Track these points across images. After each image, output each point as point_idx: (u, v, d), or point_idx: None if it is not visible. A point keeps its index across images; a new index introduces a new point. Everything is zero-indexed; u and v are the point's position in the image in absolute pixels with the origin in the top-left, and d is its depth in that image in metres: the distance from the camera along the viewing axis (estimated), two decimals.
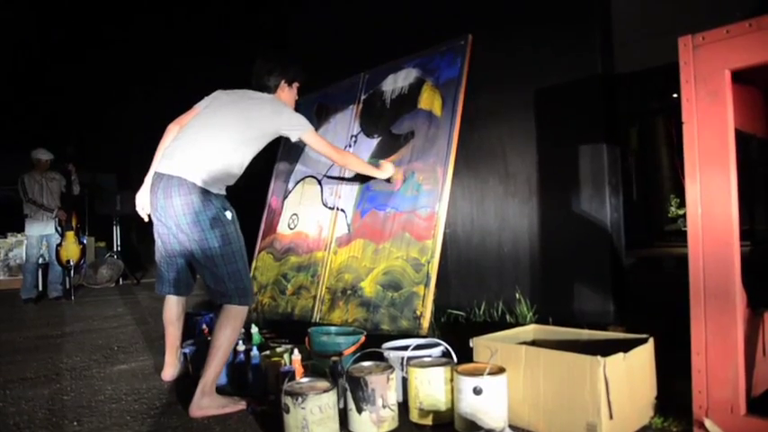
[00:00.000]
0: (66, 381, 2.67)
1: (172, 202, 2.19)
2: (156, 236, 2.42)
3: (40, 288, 6.23)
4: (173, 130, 2.45)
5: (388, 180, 3.03)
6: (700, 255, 1.63)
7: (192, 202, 2.18)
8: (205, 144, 2.27)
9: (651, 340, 1.90)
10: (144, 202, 2.45)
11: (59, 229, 5.91)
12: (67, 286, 6.02)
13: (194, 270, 2.48)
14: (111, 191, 8.45)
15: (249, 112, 2.36)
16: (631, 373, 1.75)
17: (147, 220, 2.48)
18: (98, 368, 2.90)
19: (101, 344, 3.55)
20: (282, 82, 2.57)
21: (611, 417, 1.63)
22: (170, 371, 2.59)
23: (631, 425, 1.75)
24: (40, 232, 5.86)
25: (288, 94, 2.61)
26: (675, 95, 1.71)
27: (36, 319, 4.77)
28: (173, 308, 2.56)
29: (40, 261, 6.06)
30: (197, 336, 2.91)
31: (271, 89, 2.54)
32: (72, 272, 6.04)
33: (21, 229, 6.22)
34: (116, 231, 7.79)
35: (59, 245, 5.89)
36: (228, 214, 2.25)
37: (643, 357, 1.85)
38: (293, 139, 2.50)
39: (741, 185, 1.63)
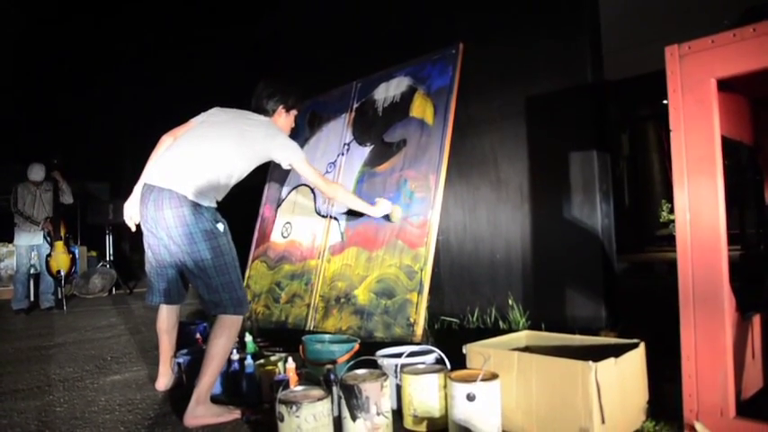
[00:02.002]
0: (59, 392, 2.66)
1: (163, 214, 2.19)
2: (146, 246, 2.41)
3: (32, 298, 6.19)
4: (165, 142, 2.45)
5: (387, 218, 2.98)
6: (688, 260, 1.65)
7: (183, 214, 2.18)
8: (198, 156, 2.27)
9: (642, 345, 1.92)
10: (133, 212, 2.45)
11: (48, 238, 5.88)
12: (59, 296, 5.98)
13: (185, 279, 2.48)
14: (104, 200, 8.42)
15: (245, 132, 2.38)
16: (623, 378, 1.77)
17: (134, 229, 2.47)
18: (91, 379, 2.88)
19: (93, 354, 3.53)
20: (281, 107, 2.59)
21: (602, 421, 1.65)
22: (164, 380, 2.59)
23: (623, 429, 1.77)
24: (29, 242, 5.83)
25: (285, 120, 2.63)
26: (666, 101, 1.74)
27: (27, 330, 4.73)
28: (166, 317, 2.55)
29: (32, 271, 6.02)
30: (191, 345, 2.90)
31: (268, 113, 2.56)
32: (63, 282, 6.00)
33: (11, 239, 6.19)
34: (108, 241, 7.75)
35: (49, 255, 5.86)
36: (220, 226, 2.25)
37: (634, 362, 1.87)
38: (284, 165, 2.51)
39: (731, 191, 1.65)
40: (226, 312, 2.22)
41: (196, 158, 2.27)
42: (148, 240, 2.37)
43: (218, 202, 2.34)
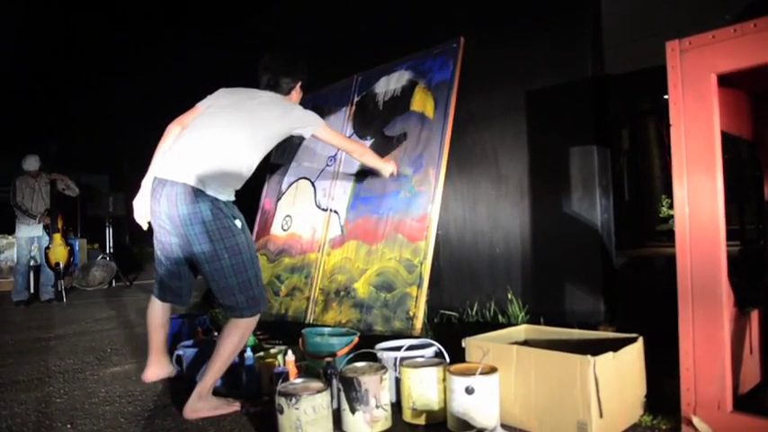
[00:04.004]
0: (59, 383, 2.66)
1: (178, 211, 2.08)
2: (156, 243, 2.31)
3: (32, 290, 6.20)
4: (173, 131, 2.33)
5: (391, 174, 2.99)
6: (687, 255, 1.65)
7: (199, 211, 2.07)
8: (211, 147, 2.15)
9: (641, 339, 1.93)
10: (143, 210, 2.33)
11: (48, 231, 5.90)
12: (59, 288, 6.00)
13: (195, 275, 2.39)
14: (104, 192, 8.42)
15: (258, 113, 2.26)
16: (621, 372, 1.78)
17: (146, 227, 2.37)
18: (91, 370, 2.89)
19: (93, 346, 3.54)
20: (299, 85, 2.52)
21: (601, 415, 1.65)
22: (154, 371, 2.49)
23: (621, 423, 1.78)
24: (29, 234, 5.86)
25: (297, 95, 2.56)
26: (666, 97, 1.74)
27: (27, 322, 4.75)
28: (160, 313, 2.45)
29: (32, 263, 6.04)
30: (192, 338, 2.91)
31: (283, 90, 2.46)
32: (62, 274, 6.01)
33: (11, 231, 6.21)
34: (108, 233, 7.75)
35: (47, 247, 5.88)
36: (238, 223, 2.15)
37: (632, 356, 1.87)
38: (306, 137, 2.43)
39: (730, 186, 1.66)
40: (242, 316, 2.14)
41: (210, 149, 2.15)
42: (160, 238, 2.26)
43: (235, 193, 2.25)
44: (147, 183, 2.29)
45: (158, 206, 2.14)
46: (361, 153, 2.86)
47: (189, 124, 2.29)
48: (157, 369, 2.51)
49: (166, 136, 2.34)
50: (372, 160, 2.92)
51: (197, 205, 2.07)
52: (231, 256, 2.11)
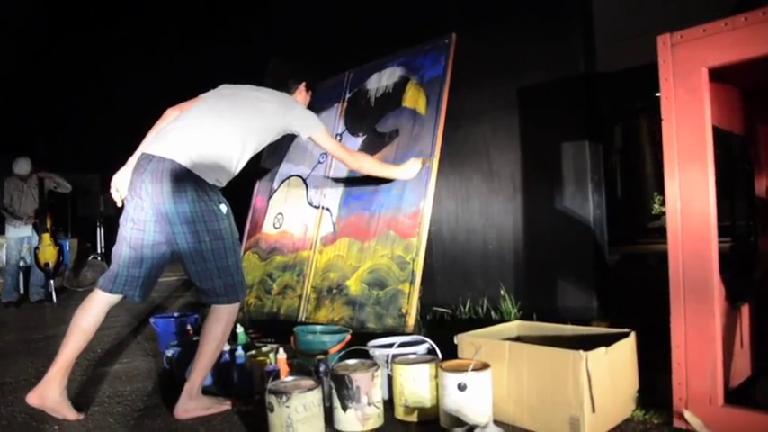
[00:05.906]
0: None
1: (161, 188, 1.98)
2: (123, 222, 2.12)
3: (22, 291, 6.15)
4: (171, 115, 2.27)
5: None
6: (679, 250, 1.65)
7: (184, 189, 1.99)
8: (205, 130, 2.10)
9: (633, 334, 1.92)
10: (121, 183, 2.20)
11: (37, 231, 5.86)
12: (49, 289, 5.95)
13: (160, 269, 2.22)
14: (95, 192, 8.36)
15: (258, 103, 2.24)
16: (613, 367, 1.77)
17: (120, 204, 2.20)
18: (80, 371, 2.86)
19: None
20: (302, 85, 2.53)
21: (593, 410, 1.65)
22: (44, 392, 2.05)
23: (613, 418, 1.78)
24: (18, 234, 5.83)
25: (303, 98, 2.56)
26: (658, 94, 1.73)
27: (17, 323, 4.70)
28: (98, 312, 2.13)
29: (22, 264, 5.99)
30: (182, 337, 2.89)
31: (288, 88, 2.47)
32: (52, 274, 5.96)
33: (0, 232, 6.17)
34: (100, 233, 7.70)
35: (37, 248, 5.84)
36: (223, 207, 2.08)
37: (625, 351, 1.87)
38: (303, 137, 2.38)
39: (722, 182, 1.65)
40: (219, 302, 2.08)
41: (204, 132, 2.09)
42: (133, 215, 2.09)
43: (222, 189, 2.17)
44: (132, 159, 2.19)
45: (140, 181, 2.03)
46: (359, 164, 2.68)
47: (188, 109, 2.25)
48: (51, 391, 2.05)
49: (163, 118, 2.29)
50: (379, 169, 2.75)
51: (182, 184, 1.99)
52: (212, 240, 2.03)
